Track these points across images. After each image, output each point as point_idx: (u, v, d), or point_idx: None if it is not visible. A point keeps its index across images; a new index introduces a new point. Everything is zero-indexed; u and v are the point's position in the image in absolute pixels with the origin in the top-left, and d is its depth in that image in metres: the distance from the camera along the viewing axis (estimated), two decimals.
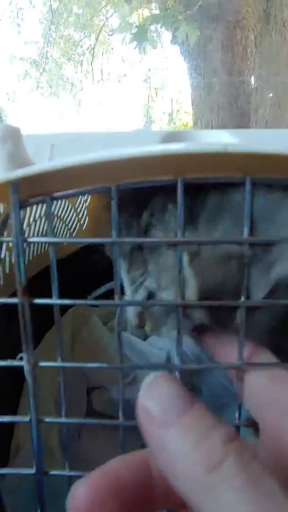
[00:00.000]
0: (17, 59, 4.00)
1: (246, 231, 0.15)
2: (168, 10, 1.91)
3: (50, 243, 0.15)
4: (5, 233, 0.17)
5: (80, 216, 0.45)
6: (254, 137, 0.19)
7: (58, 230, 0.45)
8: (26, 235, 0.20)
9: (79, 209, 0.38)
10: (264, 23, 2.47)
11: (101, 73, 4.24)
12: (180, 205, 0.15)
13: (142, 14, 2.63)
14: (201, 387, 0.29)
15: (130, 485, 0.12)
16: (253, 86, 2.67)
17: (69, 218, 0.39)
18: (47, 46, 3.87)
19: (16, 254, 0.15)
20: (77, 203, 0.39)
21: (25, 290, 0.15)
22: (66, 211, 0.38)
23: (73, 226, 0.42)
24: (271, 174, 0.15)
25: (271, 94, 2.01)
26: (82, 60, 4.18)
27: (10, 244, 0.19)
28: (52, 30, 3.87)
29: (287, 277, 0.15)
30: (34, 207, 0.28)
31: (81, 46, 4.09)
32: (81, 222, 0.52)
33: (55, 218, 0.36)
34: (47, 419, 0.17)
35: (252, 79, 2.70)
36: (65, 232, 0.46)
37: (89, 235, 0.55)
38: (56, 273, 0.16)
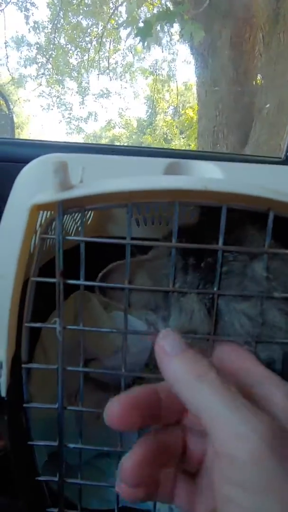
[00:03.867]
0: (24, 44, 3.97)
1: (221, 241, 0.21)
2: (174, 8, 1.93)
3: (81, 241, 0.22)
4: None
5: (86, 213, 0.52)
6: (241, 173, 0.25)
7: (69, 225, 0.51)
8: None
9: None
10: (273, 22, 2.49)
11: (108, 62, 4.22)
12: (175, 219, 0.21)
13: (153, 7, 2.63)
14: None
15: (145, 404, 0.19)
16: (258, 86, 2.70)
17: (77, 215, 0.45)
18: (55, 33, 3.85)
19: (58, 248, 0.21)
20: None
21: (61, 273, 0.22)
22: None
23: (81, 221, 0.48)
24: (242, 203, 0.21)
25: (268, 105, 2.05)
26: (89, 48, 4.15)
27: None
28: (60, 16, 3.84)
29: None
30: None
31: (89, 34, 4.06)
32: (87, 217, 0.59)
33: (68, 216, 0.42)
34: (69, 368, 0.24)
35: (258, 79, 2.73)
36: (72, 226, 0.52)
37: (93, 229, 0.62)
38: (84, 261, 0.22)
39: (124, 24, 2.40)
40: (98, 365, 0.43)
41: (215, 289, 0.22)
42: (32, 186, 0.23)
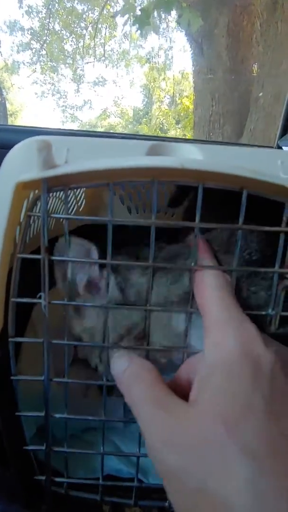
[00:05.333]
0: (17, 29, 3.89)
1: (197, 219, 0.22)
2: None
3: (65, 219, 0.23)
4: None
5: (78, 199, 0.52)
6: (221, 154, 0.26)
7: (60, 212, 0.52)
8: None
9: (78, 196, 0.45)
10: (271, 10, 2.46)
11: (103, 49, 4.15)
12: (154, 197, 0.22)
13: None
14: None
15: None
16: (255, 74, 2.67)
17: (70, 202, 0.46)
18: (49, 18, 3.77)
19: (42, 224, 0.22)
20: (77, 191, 0.46)
21: (46, 249, 0.23)
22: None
23: (73, 208, 0.49)
24: (218, 183, 0.22)
25: (261, 93, 2.04)
26: (85, 34, 4.07)
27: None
28: (55, 0, 3.76)
29: None
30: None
31: (84, 19, 3.98)
32: (79, 204, 0.60)
33: (59, 201, 0.42)
34: (55, 341, 0.25)
35: (255, 68, 2.71)
36: (64, 214, 0.53)
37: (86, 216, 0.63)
38: (69, 240, 0.23)
39: (121, 13, 2.36)
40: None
41: (192, 264, 0.23)
42: (19, 167, 0.24)
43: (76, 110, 4.81)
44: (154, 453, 0.18)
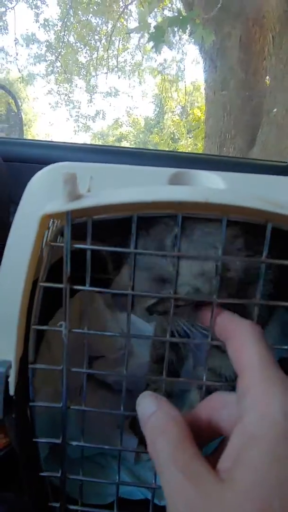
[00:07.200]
0: (33, 42, 4.00)
1: (220, 252, 0.22)
2: (186, 14, 1.93)
3: (88, 249, 0.23)
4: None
5: None
6: (243, 184, 0.25)
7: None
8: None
9: None
10: (284, 23, 2.48)
11: (116, 60, 4.22)
12: (178, 229, 0.22)
13: (162, 8, 2.63)
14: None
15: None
16: (267, 87, 2.68)
17: None
18: (64, 31, 3.86)
19: (65, 255, 0.22)
20: None
21: (68, 279, 0.23)
22: None
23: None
24: (242, 215, 0.22)
25: (275, 110, 2.04)
26: (98, 47, 4.16)
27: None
28: (70, 14, 3.86)
29: None
30: None
31: (98, 32, 4.06)
32: None
33: None
34: (74, 369, 0.25)
35: (267, 80, 2.72)
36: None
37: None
38: (90, 268, 0.23)
39: (136, 31, 2.40)
40: (103, 364, 0.44)
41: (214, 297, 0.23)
42: (42, 195, 0.24)
43: (89, 120, 4.90)
44: None
